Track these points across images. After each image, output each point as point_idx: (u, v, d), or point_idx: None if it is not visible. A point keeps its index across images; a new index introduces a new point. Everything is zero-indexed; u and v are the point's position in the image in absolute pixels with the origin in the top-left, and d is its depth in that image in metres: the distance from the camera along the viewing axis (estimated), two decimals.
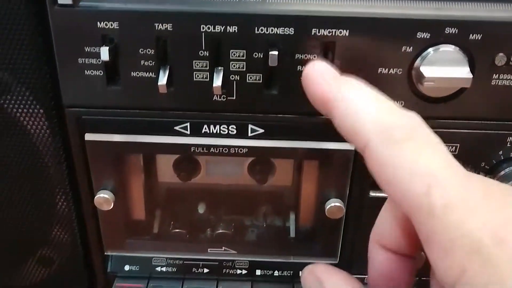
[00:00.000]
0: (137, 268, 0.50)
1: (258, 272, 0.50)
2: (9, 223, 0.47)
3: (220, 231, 0.50)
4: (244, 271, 0.50)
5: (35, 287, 0.51)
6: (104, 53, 0.37)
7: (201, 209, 0.51)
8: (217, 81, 0.39)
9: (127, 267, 0.50)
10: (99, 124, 0.42)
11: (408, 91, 0.40)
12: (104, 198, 0.44)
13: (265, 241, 0.50)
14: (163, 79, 0.38)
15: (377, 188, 0.44)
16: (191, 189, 0.50)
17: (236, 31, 0.37)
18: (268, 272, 0.50)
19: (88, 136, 0.42)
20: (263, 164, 0.48)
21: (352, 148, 0.42)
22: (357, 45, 0.38)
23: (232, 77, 0.39)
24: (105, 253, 0.49)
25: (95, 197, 0.44)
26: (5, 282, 0.51)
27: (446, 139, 0.41)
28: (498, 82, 0.39)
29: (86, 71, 0.39)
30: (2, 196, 0.45)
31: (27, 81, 0.40)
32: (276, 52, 0.37)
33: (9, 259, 0.49)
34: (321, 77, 0.29)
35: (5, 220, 0.47)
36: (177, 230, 0.50)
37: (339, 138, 0.41)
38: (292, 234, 0.50)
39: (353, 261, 0.49)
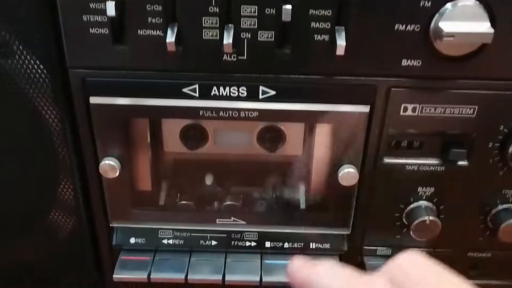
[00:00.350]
0: (143, 240, 0.49)
1: (267, 244, 0.49)
2: (12, 193, 0.46)
3: (228, 202, 0.48)
4: (253, 243, 0.49)
5: (40, 262, 0.50)
6: (110, 8, 0.36)
7: (208, 180, 0.49)
8: (228, 39, 0.37)
9: (132, 240, 0.49)
10: (104, 86, 0.40)
11: (426, 50, 0.38)
12: (109, 165, 0.43)
13: (274, 211, 0.48)
14: (171, 37, 0.37)
15: (391, 154, 0.43)
16: (199, 159, 0.48)
17: None
18: (277, 244, 0.49)
19: (93, 99, 0.41)
20: (273, 132, 0.46)
21: (367, 110, 0.41)
22: (373, 0, 0.37)
23: (243, 34, 0.38)
24: (110, 225, 0.48)
25: (100, 164, 0.43)
26: (9, 256, 0.49)
27: (465, 100, 0.40)
28: None
29: (91, 29, 0.38)
30: (5, 164, 0.44)
31: (30, 42, 0.39)
32: (289, 7, 0.36)
33: (13, 233, 0.48)
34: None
35: (8, 190, 0.45)
36: (184, 202, 0.49)
37: (353, 99, 0.41)
38: (303, 206, 0.49)
39: (366, 231, 0.48)
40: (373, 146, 0.43)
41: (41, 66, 0.39)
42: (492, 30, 0.36)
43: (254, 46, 0.38)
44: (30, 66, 0.40)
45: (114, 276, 0.47)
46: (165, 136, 0.47)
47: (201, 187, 0.49)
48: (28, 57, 0.39)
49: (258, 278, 0.47)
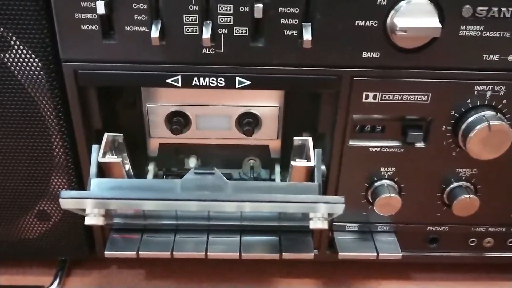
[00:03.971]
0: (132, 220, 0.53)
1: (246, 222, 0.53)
2: (7, 176, 0.49)
3: None
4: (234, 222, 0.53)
5: (32, 241, 0.54)
6: (100, 6, 0.40)
7: (192, 163, 0.54)
8: (206, 34, 0.41)
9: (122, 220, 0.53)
10: (95, 78, 0.44)
11: (384, 43, 0.43)
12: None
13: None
14: (155, 32, 0.41)
15: (356, 137, 0.48)
16: (182, 144, 0.53)
17: None
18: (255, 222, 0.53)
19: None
20: (250, 118, 0.51)
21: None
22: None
23: (221, 30, 0.42)
24: None
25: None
26: (1, 236, 0.53)
27: (419, 88, 0.45)
28: (465, 33, 0.43)
29: (82, 25, 0.42)
30: (3, 154, 0.48)
31: (26, 37, 0.42)
32: (261, 5, 0.40)
33: (7, 214, 0.52)
34: None
35: (2, 173, 0.49)
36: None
37: (320, 88, 0.45)
38: None
39: None
40: (339, 130, 0.48)
41: (36, 61, 0.43)
42: (440, 25, 0.41)
43: (230, 40, 0.43)
44: (26, 59, 0.43)
45: (105, 252, 0.51)
46: (151, 122, 0.51)
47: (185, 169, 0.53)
48: (24, 51, 0.43)
49: (237, 254, 0.51)
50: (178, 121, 0.51)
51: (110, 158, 0.45)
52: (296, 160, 0.46)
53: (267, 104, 0.51)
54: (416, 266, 0.58)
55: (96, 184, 0.43)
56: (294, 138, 0.48)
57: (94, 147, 0.46)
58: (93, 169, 0.45)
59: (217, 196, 0.41)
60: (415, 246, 0.55)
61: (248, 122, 0.52)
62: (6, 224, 0.52)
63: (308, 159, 0.46)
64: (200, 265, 0.58)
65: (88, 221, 0.44)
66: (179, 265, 0.58)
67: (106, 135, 0.46)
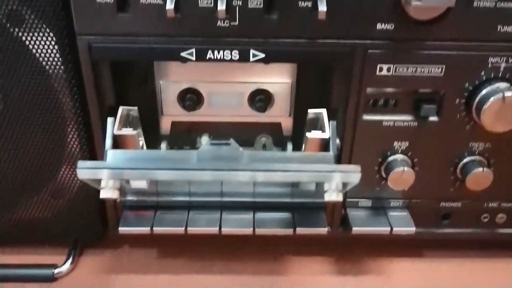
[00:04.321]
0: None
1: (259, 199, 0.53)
2: (20, 153, 0.49)
3: None
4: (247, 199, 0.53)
5: (46, 220, 0.54)
6: None
7: (204, 141, 0.54)
8: (221, 6, 0.41)
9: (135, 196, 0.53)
10: (109, 51, 0.44)
11: (399, 14, 0.43)
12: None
13: None
14: (171, 4, 0.41)
15: (369, 111, 0.48)
16: (194, 122, 0.53)
17: None
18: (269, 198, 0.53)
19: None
20: (262, 95, 0.51)
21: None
22: None
23: (235, 2, 0.42)
24: None
25: None
26: (14, 215, 0.53)
27: (433, 60, 0.45)
28: (480, 3, 0.43)
29: None
30: (14, 127, 0.48)
31: (41, 10, 0.43)
32: None
33: (21, 192, 0.52)
34: None
35: (16, 151, 0.49)
36: None
37: (334, 61, 0.45)
38: None
39: None
40: (353, 105, 0.48)
41: (51, 34, 0.43)
42: None
43: (244, 13, 0.43)
44: (40, 33, 0.43)
45: (119, 228, 0.51)
46: (164, 100, 0.52)
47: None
48: (39, 25, 0.43)
49: (251, 230, 0.51)
50: (190, 98, 0.51)
51: (126, 130, 0.45)
52: (311, 131, 0.46)
53: (279, 80, 0.51)
54: (429, 243, 0.58)
55: (112, 155, 0.43)
56: (309, 110, 0.48)
57: (109, 119, 0.46)
58: (108, 141, 0.45)
59: (232, 166, 0.41)
60: (428, 222, 0.55)
61: (261, 99, 0.52)
62: (21, 203, 0.52)
63: (323, 130, 0.46)
64: (212, 244, 0.58)
65: (103, 194, 0.44)
66: (191, 244, 0.58)
67: (121, 108, 0.46)
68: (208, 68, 0.50)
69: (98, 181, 0.43)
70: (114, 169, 0.40)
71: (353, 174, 0.41)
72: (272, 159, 0.44)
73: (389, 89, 0.47)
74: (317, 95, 0.51)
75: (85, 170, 0.40)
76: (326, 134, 0.46)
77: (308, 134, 0.46)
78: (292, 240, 0.55)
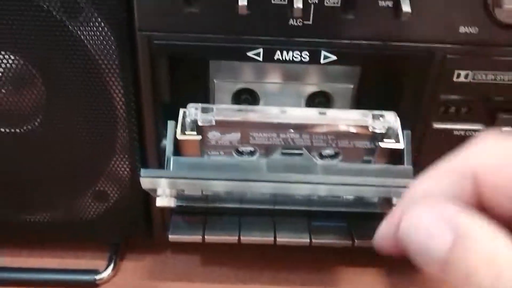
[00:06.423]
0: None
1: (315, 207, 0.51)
2: (66, 153, 0.47)
3: None
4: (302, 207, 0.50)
5: (89, 222, 0.51)
6: None
7: None
8: (298, 3, 0.38)
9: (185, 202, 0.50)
10: (171, 49, 0.41)
11: (484, 18, 0.40)
12: None
13: None
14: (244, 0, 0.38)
15: (440, 119, 0.45)
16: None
17: None
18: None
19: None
20: (322, 97, 0.48)
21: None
22: None
23: (311, 0, 0.39)
24: None
25: None
26: (58, 216, 0.50)
27: None
28: None
29: None
30: (61, 124, 0.45)
31: (100, 3, 0.39)
32: None
33: (65, 193, 0.49)
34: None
35: (61, 150, 0.46)
36: None
37: (409, 65, 0.43)
38: None
39: None
40: (424, 112, 0.45)
41: (110, 29, 0.40)
42: None
43: (320, 11, 0.40)
44: (98, 27, 0.40)
45: (170, 236, 0.48)
46: (218, 99, 0.49)
47: None
48: (99, 18, 0.40)
49: (307, 240, 0.49)
50: (245, 99, 0.48)
51: (190, 135, 0.42)
52: (384, 140, 0.43)
53: (340, 83, 0.49)
54: None
55: (175, 162, 0.40)
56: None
57: (170, 123, 0.43)
58: (170, 146, 0.42)
59: (305, 179, 0.39)
60: None
61: (320, 101, 0.49)
62: (64, 204, 0.50)
63: (396, 140, 0.43)
64: (258, 252, 0.55)
65: (159, 202, 0.41)
66: (237, 251, 0.56)
67: (181, 110, 0.43)
68: (265, 67, 0.47)
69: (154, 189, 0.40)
70: (183, 179, 0.37)
71: None
72: (347, 171, 0.41)
73: (464, 96, 0.44)
74: (380, 100, 0.48)
75: (148, 179, 0.37)
76: (401, 145, 0.43)
77: (380, 143, 0.43)
78: (342, 250, 0.52)
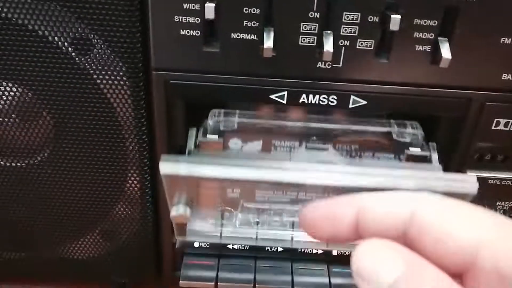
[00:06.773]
0: (207, 245, 0.47)
1: (334, 252, 0.48)
2: (74, 191, 0.44)
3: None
4: (320, 251, 0.48)
5: (94, 261, 0.48)
6: (209, 11, 0.34)
7: None
8: (328, 46, 0.35)
9: (196, 244, 0.47)
10: (189, 90, 0.38)
11: None
12: None
13: None
14: (269, 42, 0.35)
15: (474, 167, 0.42)
16: None
17: None
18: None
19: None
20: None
21: None
22: (483, 12, 0.35)
23: (342, 42, 0.36)
24: None
25: None
26: (63, 253, 0.48)
27: None
28: None
29: (182, 30, 0.36)
30: (70, 162, 0.42)
31: (114, 40, 0.36)
32: (398, 16, 0.34)
33: (71, 230, 0.46)
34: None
35: (70, 188, 0.44)
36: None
37: (445, 112, 0.39)
38: None
39: None
40: (458, 159, 0.42)
41: (122, 69, 0.37)
42: None
43: (351, 54, 0.37)
44: (111, 66, 0.37)
45: (180, 282, 0.45)
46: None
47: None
48: (112, 56, 0.37)
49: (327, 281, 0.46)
50: None
51: (211, 139, 0.40)
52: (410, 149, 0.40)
53: None
54: None
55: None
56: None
57: (192, 130, 0.42)
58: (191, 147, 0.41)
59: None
60: None
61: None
62: (70, 242, 0.47)
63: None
64: None
65: (174, 211, 0.36)
66: None
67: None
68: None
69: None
70: (206, 165, 0.32)
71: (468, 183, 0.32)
72: (373, 165, 0.37)
73: (501, 145, 0.41)
74: None
75: (168, 164, 0.31)
76: (426, 152, 0.40)
77: (406, 151, 0.40)
78: None
